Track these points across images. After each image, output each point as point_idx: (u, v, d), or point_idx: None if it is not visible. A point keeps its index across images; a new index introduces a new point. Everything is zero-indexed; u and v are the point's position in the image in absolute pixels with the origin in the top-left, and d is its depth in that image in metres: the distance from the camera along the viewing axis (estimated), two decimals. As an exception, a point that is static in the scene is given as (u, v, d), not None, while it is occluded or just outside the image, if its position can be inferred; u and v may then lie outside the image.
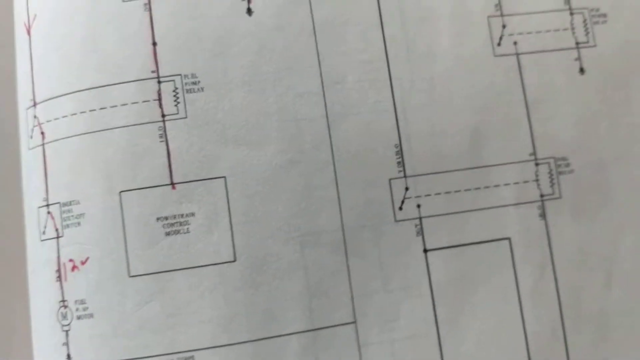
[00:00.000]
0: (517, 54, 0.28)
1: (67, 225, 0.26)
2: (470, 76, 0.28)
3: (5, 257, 0.27)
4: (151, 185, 0.25)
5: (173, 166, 0.25)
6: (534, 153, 0.28)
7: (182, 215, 0.25)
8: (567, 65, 0.29)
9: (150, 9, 0.26)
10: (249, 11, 0.26)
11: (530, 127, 0.28)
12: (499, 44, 0.28)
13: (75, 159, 0.26)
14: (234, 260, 0.25)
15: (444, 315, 0.27)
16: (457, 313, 0.27)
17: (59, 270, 0.26)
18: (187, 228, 0.25)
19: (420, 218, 0.27)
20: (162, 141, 0.25)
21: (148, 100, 0.26)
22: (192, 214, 0.25)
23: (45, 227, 0.26)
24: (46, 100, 0.26)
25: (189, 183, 0.25)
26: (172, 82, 0.26)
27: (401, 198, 0.27)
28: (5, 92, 0.28)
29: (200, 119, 0.26)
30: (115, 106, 0.26)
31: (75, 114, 0.26)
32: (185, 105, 0.26)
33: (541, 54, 0.29)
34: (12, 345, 0.27)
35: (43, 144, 0.26)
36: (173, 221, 0.25)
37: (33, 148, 0.27)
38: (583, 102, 0.29)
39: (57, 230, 0.26)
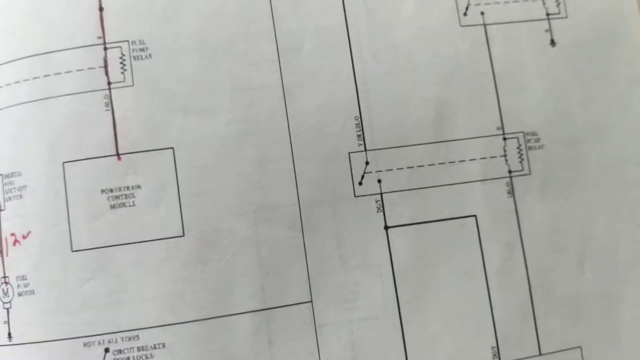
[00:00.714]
0: (485, 24, 0.27)
1: (9, 198, 0.25)
2: (435, 46, 0.27)
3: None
4: (96, 155, 0.24)
5: (119, 136, 0.24)
6: (501, 127, 0.27)
7: (127, 188, 0.24)
8: (537, 37, 0.28)
9: (97, -28, 0.25)
10: (201, -25, 0.26)
11: (498, 100, 0.27)
12: (465, 14, 0.27)
13: (17, 128, 0.25)
14: (182, 235, 0.24)
15: (406, 295, 0.26)
16: (420, 293, 0.26)
17: (0, 245, 0.25)
18: (133, 201, 0.24)
19: (381, 194, 0.26)
20: (107, 110, 0.25)
21: (94, 68, 0.25)
22: (138, 187, 0.24)
23: (-15, 200, 0.25)
24: (-11, 69, 0.25)
25: (135, 154, 0.24)
26: (118, 49, 0.25)
27: (361, 173, 0.26)
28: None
29: (148, 86, 0.25)
30: (60, 73, 0.25)
31: (18, 82, 0.25)
32: (132, 72, 0.25)
33: (509, 25, 0.28)
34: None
35: (-15, 115, 0.25)
36: (118, 193, 0.24)
37: (-25, 119, 0.26)
38: (554, 76, 0.28)
39: (-2, 203, 0.25)
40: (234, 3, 0.26)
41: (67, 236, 0.24)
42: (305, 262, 0.25)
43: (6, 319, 0.24)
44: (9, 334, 0.24)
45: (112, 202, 0.24)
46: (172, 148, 0.25)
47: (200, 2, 0.25)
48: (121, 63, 0.25)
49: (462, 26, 0.27)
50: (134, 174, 0.24)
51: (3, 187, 0.25)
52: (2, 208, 0.25)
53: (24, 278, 0.24)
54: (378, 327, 0.25)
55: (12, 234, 0.25)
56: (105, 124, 0.24)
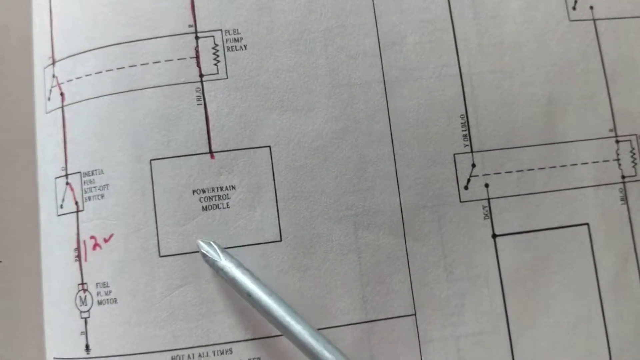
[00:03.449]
0: (594, 20, 0.27)
1: (89, 198, 0.24)
2: (543, 42, 0.26)
3: (15, 234, 0.25)
4: (187, 153, 0.23)
5: (212, 133, 0.24)
6: (614, 129, 0.26)
7: (221, 189, 0.23)
8: (648, 33, 0.27)
9: (188, -44, 0.24)
10: (299, -39, 0.25)
11: (610, 100, 0.26)
12: (574, 8, 0.27)
13: (99, 123, 0.24)
14: (279, 240, 0.23)
15: (515, 309, 0.25)
16: (530, 307, 0.25)
17: (78, 249, 0.24)
18: (227, 203, 0.23)
19: (488, 199, 0.25)
20: (199, 104, 0.24)
21: (184, 58, 0.24)
22: (233, 187, 0.23)
23: (63, 200, 0.24)
24: (67, 58, 0.25)
25: (229, 152, 0.24)
26: (211, 38, 0.24)
27: (467, 176, 0.25)
28: (18, 49, 0.27)
29: (243, 80, 0.24)
30: (147, 64, 0.24)
31: (100, 72, 0.24)
32: (225, 64, 0.24)
33: (620, 20, 0.27)
34: (21, 335, 0.25)
35: (62, 107, 0.25)
36: (211, 194, 0.23)
37: (50, 111, 0.25)
38: (667, 74, 0.27)
39: (76, 203, 0.24)
40: (335, -9, 0.25)
41: (154, 240, 0.23)
42: (407, 271, 0.24)
43: (84, 330, 0.23)
44: (87, 346, 0.23)
45: (205, 204, 0.23)
46: (269, 147, 0.24)
47: (299, -10, 0.25)
48: (214, 54, 0.24)
49: (571, 20, 0.26)
50: (228, 174, 0.23)
51: (82, 186, 0.24)
52: (81, 209, 0.24)
53: (105, 285, 0.23)
54: (486, 343, 0.24)
55: (92, 237, 0.24)
56: (197, 119, 0.24)
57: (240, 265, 0.22)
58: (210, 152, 0.23)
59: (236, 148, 0.24)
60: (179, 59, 0.24)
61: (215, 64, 0.24)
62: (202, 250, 0.22)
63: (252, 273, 0.22)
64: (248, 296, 0.21)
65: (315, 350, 0.20)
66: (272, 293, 0.21)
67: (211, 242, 0.23)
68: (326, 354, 0.20)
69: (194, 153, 0.23)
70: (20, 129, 0.26)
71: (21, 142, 0.26)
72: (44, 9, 0.26)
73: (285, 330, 0.21)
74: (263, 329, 0.23)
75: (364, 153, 0.24)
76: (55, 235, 0.24)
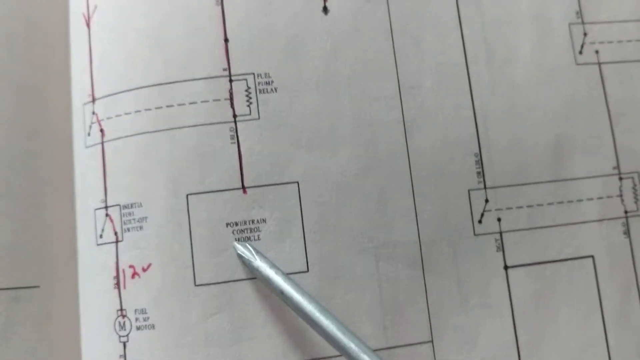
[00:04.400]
0: (599, 64, 0.29)
1: (128, 229, 0.26)
2: (552, 84, 0.28)
3: (53, 261, 0.27)
4: (221, 188, 0.26)
5: (244, 169, 0.26)
6: (617, 167, 0.28)
7: (252, 222, 0.25)
8: (650, 76, 0.29)
9: (222, 3, 0.27)
10: (325, 9, 0.27)
11: (614, 139, 0.29)
12: (580, 52, 0.29)
13: (138, 159, 0.26)
14: (307, 271, 0.25)
15: (525, 337, 0.27)
16: (539, 335, 0.27)
17: (117, 277, 0.26)
18: (258, 235, 0.25)
19: (500, 232, 0.27)
20: (233, 143, 0.26)
21: (219, 100, 0.26)
22: (264, 220, 0.26)
23: (102, 230, 0.26)
24: (107, 96, 0.27)
25: (260, 187, 0.26)
26: (244, 81, 0.26)
27: (481, 211, 0.27)
28: (56, 86, 0.29)
29: (273, 120, 0.26)
30: (184, 104, 0.26)
31: (139, 111, 0.26)
32: (257, 106, 0.26)
33: (623, 64, 0.29)
34: (59, 359, 0.27)
35: (102, 142, 0.27)
36: (243, 227, 0.25)
37: (90, 146, 0.27)
38: (667, 115, 0.29)
39: (116, 234, 0.26)
40: (357, 39, 0.27)
41: (189, 270, 0.25)
42: (425, 301, 0.26)
43: (122, 353, 0.25)
44: (125, 369, 0.25)
45: (237, 236, 0.25)
46: (297, 182, 0.26)
47: (324, 38, 0.27)
48: (247, 96, 0.26)
49: (577, 64, 0.29)
50: (260, 208, 0.26)
51: (121, 218, 0.26)
52: (120, 239, 0.26)
53: (143, 312, 0.25)
54: (497, 369, 0.26)
55: (131, 266, 0.26)
56: (231, 156, 0.26)
57: (273, 265, 0.24)
58: (243, 187, 0.26)
59: (267, 184, 0.26)
60: (214, 100, 0.26)
61: (248, 106, 0.26)
62: (239, 252, 0.25)
63: (284, 273, 0.24)
64: (281, 293, 0.24)
65: (342, 342, 0.22)
66: (303, 291, 0.23)
67: (247, 244, 0.25)
68: (352, 346, 0.22)
69: (227, 188, 0.26)
70: (59, 161, 0.28)
71: (59, 173, 0.28)
72: (83, 48, 0.28)
73: (315, 325, 0.23)
74: (292, 355, 0.25)
75: (385, 189, 0.26)
76: (94, 263, 0.26)
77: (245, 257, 0.25)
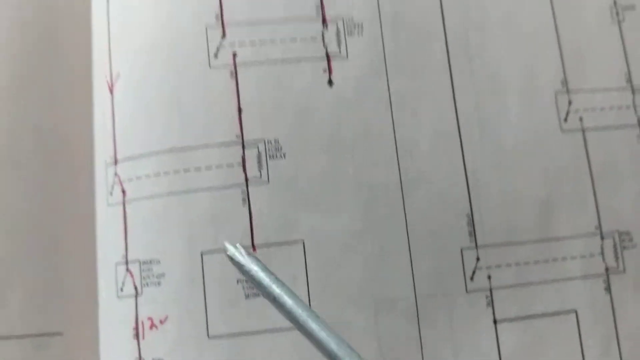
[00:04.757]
0: (583, 130, 0.32)
1: (147, 284, 0.28)
2: (539, 150, 0.31)
3: (75, 310, 0.30)
4: (232, 247, 0.28)
5: (254, 229, 0.28)
6: (599, 226, 0.31)
7: (261, 278, 0.28)
8: (629, 141, 0.32)
9: (236, 77, 0.29)
10: (330, 83, 0.30)
11: (596, 201, 0.31)
12: (565, 120, 0.32)
13: (157, 219, 0.28)
14: (311, 325, 0.28)
15: (513, 386, 0.29)
16: (525, 384, 0.29)
17: (136, 328, 0.28)
18: (267, 291, 0.28)
19: (490, 289, 0.29)
20: (244, 205, 0.28)
21: (232, 164, 0.29)
22: (272, 278, 0.28)
23: (123, 284, 0.29)
24: (128, 160, 0.29)
25: (269, 246, 0.28)
26: (255, 148, 0.29)
27: (472, 268, 0.29)
28: (80, 146, 0.31)
29: (282, 184, 0.29)
30: (200, 168, 0.29)
31: (158, 174, 0.29)
32: (268, 170, 0.29)
33: (606, 130, 0.32)
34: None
35: (124, 202, 0.29)
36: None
37: (112, 205, 0.30)
38: (646, 178, 0.32)
39: (135, 288, 0.28)
40: (359, 109, 0.30)
41: (203, 323, 0.28)
42: (421, 353, 0.29)
43: (139, 399, 0.28)
44: (142, 414, 0.27)
45: (247, 292, 0.28)
46: (302, 241, 0.28)
47: (329, 108, 0.29)
48: (258, 161, 0.29)
49: (562, 131, 0.31)
50: (268, 265, 0.28)
51: (141, 273, 0.28)
52: (139, 293, 0.28)
53: (159, 360, 0.28)
54: (487, 416, 0.29)
55: (149, 318, 0.28)
56: (242, 217, 0.28)
57: (265, 268, 0.23)
58: (253, 246, 0.28)
59: (275, 242, 0.28)
60: (227, 165, 0.29)
61: (259, 170, 0.29)
62: (228, 253, 0.23)
63: (277, 277, 0.23)
64: (273, 300, 0.22)
65: (335, 353, 0.21)
66: (296, 297, 0.22)
67: (237, 245, 0.23)
68: (345, 356, 0.21)
69: (239, 247, 0.28)
70: (82, 217, 0.31)
71: (82, 228, 0.31)
72: (106, 112, 0.30)
73: (308, 334, 0.22)
74: (296, 402, 0.27)
75: (383, 247, 0.29)
76: (115, 315, 0.29)
77: (236, 259, 0.23)
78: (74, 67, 0.32)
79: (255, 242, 0.28)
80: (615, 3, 0.33)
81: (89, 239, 0.30)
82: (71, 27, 0.32)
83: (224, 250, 0.23)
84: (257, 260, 0.23)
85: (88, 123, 0.31)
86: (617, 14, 0.33)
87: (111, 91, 0.30)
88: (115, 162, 0.30)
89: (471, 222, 0.30)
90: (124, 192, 0.29)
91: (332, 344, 0.22)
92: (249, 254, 0.23)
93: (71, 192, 0.31)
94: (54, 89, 0.31)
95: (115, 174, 0.30)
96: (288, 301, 0.22)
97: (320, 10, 0.30)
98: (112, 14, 0.31)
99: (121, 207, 0.29)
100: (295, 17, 0.30)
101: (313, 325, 0.22)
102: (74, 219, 0.31)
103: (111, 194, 0.30)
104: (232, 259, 0.23)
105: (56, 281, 0.30)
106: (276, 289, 0.22)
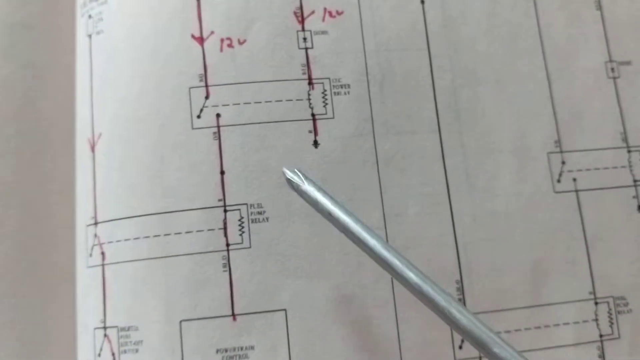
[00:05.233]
0: (577, 191, 0.31)
1: (125, 351, 0.28)
2: (531, 212, 0.30)
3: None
4: (212, 315, 0.27)
5: (235, 297, 0.28)
6: (593, 292, 0.30)
7: (241, 348, 0.27)
8: (625, 202, 0.31)
9: (219, 138, 0.29)
10: (316, 144, 0.29)
11: (590, 265, 0.30)
12: (558, 181, 0.31)
13: (136, 283, 0.28)
14: (292, 397, 0.27)
15: None
16: None
17: (112, 398, 0.27)
18: (247, 362, 0.27)
19: (480, 357, 0.29)
20: (225, 271, 0.28)
21: (213, 229, 0.28)
22: (252, 347, 0.27)
23: (101, 349, 0.28)
24: (109, 221, 0.29)
25: (249, 315, 0.28)
26: (237, 211, 0.28)
27: (462, 337, 0.29)
28: (61, 205, 0.31)
29: (264, 249, 0.28)
30: (180, 233, 0.28)
31: (138, 238, 0.28)
32: (249, 235, 0.28)
33: (600, 191, 0.31)
34: None
35: (103, 265, 0.29)
36: (232, 354, 0.27)
37: (92, 267, 0.29)
38: (641, 241, 0.31)
39: (113, 354, 0.28)
40: (345, 171, 0.29)
41: (181, 393, 0.27)
42: None
43: None
44: None
45: (227, 363, 0.27)
46: (285, 310, 0.28)
47: (314, 170, 0.29)
48: (240, 225, 0.28)
49: (555, 192, 0.31)
50: (248, 335, 0.27)
51: (119, 340, 0.28)
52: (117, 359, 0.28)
53: None
54: None
55: (126, 387, 0.27)
56: (223, 284, 0.28)
57: (321, 189, 0.25)
58: (233, 315, 0.28)
59: (255, 311, 0.28)
60: (208, 230, 0.28)
61: (240, 235, 0.28)
62: (287, 176, 0.26)
63: (331, 196, 0.25)
64: (329, 215, 0.25)
65: (388, 259, 0.24)
66: (350, 212, 0.25)
67: (295, 170, 0.26)
68: (397, 262, 0.24)
69: (218, 315, 0.27)
70: (62, 277, 0.30)
71: (62, 288, 0.30)
72: (88, 171, 0.30)
73: (362, 244, 0.24)
74: None
75: (369, 316, 0.28)
76: (92, 382, 0.28)
77: (295, 181, 0.26)
78: (57, 125, 0.32)
79: (236, 310, 0.27)
80: (610, 58, 0.33)
81: (69, 301, 0.30)
82: (55, 85, 0.31)
83: (283, 174, 0.26)
84: (314, 182, 0.26)
85: (70, 182, 0.31)
86: (613, 69, 0.33)
87: (93, 150, 0.30)
88: (96, 223, 0.29)
89: (460, 289, 0.29)
90: (103, 254, 0.29)
91: (384, 252, 0.24)
92: (305, 177, 0.26)
93: (52, 252, 0.30)
94: (36, 146, 0.31)
95: (95, 235, 0.29)
96: (345, 218, 0.24)
97: (306, 70, 0.30)
98: (95, 71, 0.30)
99: (100, 270, 0.29)
100: (280, 78, 0.29)
101: (367, 237, 0.24)
102: (55, 280, 0.30)
103: (91, 255, 0.29)
104: (290, 181, 0.26)
105: (36, 342, 0.30)
106: (331, 207, 0.25)
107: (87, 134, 0.30)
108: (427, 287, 0.23)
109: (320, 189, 0.25)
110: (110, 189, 0.29)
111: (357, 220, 0.24)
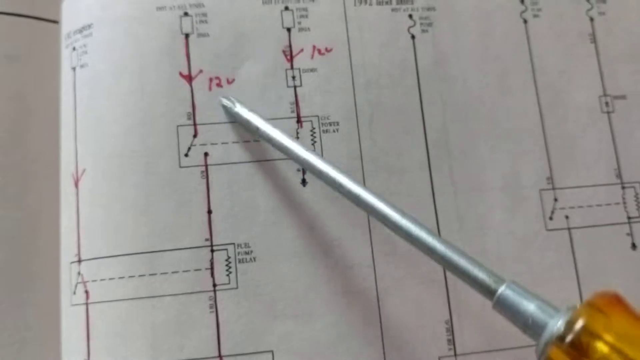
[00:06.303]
0: (569, 229, 0.31)
1: (109, 394, 0.28)
2: (522, 251, 0.31)
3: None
4: (198, 357, 0.28)
5: (221, 338, 0.28)
6: (585, 332, 0.30)
7: (228, 391, 0.27)
8: (618, 240, 0.32)
9: (207, 177, 0.29)
10: (304, 182, 0.30)
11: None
12: (550, 218, 0.31)
13: (120, 324, 0.28)
14: None
15: None
16: None
17: None
18: (232, 406, 0.27)
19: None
20: (211, 312, 0.28)
21: (200, 269, 0.28)
22: (238, 390, 0.28)
23: (84, 392, 0.28)
24: (92, 259, 0.29)
25: (236, 356, 0.28)
26: (225, 251, 0.29)
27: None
28: (46, 241, 0.31)
29: (251, 290, 0.28)
30: (166, 273, 0.28)
31: (123, 277, 0.28)
32: (237, 275, 0.28)
33: (593, 229, 0.31)
34: None
35: (87, 303, 0.29)
36: (218, 397, 0.27)
37: (76, 305, 0.29)
38: (635, 280, 0.31)
39: (96, 397, 0.28)
40: (334, 209, 0.29)
41: None
42: None
43: None
44: None
45: (213, 408, 0.27)
46: (272, 352, 0.28)
47: (303, 209, 0.29)
48: (227, 266, 0.28)
49: (547, 230, 0.31)
50: (234, 378, 0.28)
51: (104, 381, 0.28)
52: (102, 402, 0.28)
53: None
54: None
55: None
56: (209, 325, 0.28)
57: (252, 110, 0.29)
58: (220, 356, 0.28)
59: (242, 353, 0.28)
60: (195, 270, 0.28)
61: (227, 275, 0.28)
62: (223, 103, 0.29)
63: (260, 115, 0.28)
64: (256, 129, 0.28)
65: (307, 159, 0.27)
66: (275, 126, 0.28)
67: (229, 97, 0.29)
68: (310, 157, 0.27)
69: (205, 357, 0.28)
70: (47, 315, 0.30)
71: (47, 328, 0.30)
72: (71, 206, 0.30)
73: (290, 153, 0.27)
74: None
75: (358, 356, 0.28)
76: None
77: (228, 106, 0.29)
78: (43, 159, 0.32)
79: (222, 351, 0.28)
80: (605, 92, 0.33)
81: (55, 341, 0.30)
82: (41, 118, 0.31)
83: (219, 102, 0.29)
84: (245, 105, 0.29)
85: (56, 217, 0.31)
86: (607, 104, 0.33)
87: (76, 185, 0.30)
88: (79, 260, 0.29)
89: (450, 330, 0.29)
90: (87, 292, 0.29)
91: (308, 157, 0.26)
92: (238, 101, 0.29)
93: (38, 290, 0.31)
94: (22, 180, 0.31)
95: (79, 273, 0.29)
96: (270, 130, 0.28)
97: (295, 108, 0.30)
98: (79, 105, 0.31)
99: (84, 309, 0.29)
100: (269, 117, 0.29)
101: (295, 146, 0.27)
102: (41, 319, 0.30)
103: (74, 293, 0.29)
104: (225, 107, 0.29)
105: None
106: (260, 122, 0.28)
107: (71, 169, 0.31)
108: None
109: (252, 109, 0.29)
110: (94, 226, 0.29)
111: (283, 134, 0.27)
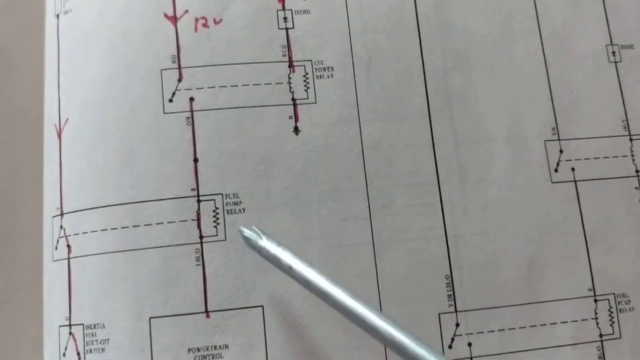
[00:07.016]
0: (575, 181, 0.30)
1: (90, 350, 0.27)
2: (526, 204, 0.29)
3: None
4: (184, 312, 0.26)
5: (208, 293, 0.27)
6: (592, 289, 0.29)
7: (215, 347, 0.26)
8: (626, 194, 0.30)
9: (192, 124, 0.28)
10: (296, 130, 0.28)
11: (589, 260, 0.29)
12: (556, 170, 0.30)
13: (103, 278, 0.27)
14: (269, 400, 0.26)
15: None
16: None
17: (77, 401, 0.26)
18: (220, 362, 0.26)
19: (471, 358, 0.28)
20: (198, 265, 0.27)
21: (186, 220, 0.27)
22: (226, 346, 0.26)
23: (66, 349, 0.27)
24: (74, 212, 0.28)
25: (224, 312, 0.27)
26: (212, 202, 0.27)
27: (451, 335, 0.28)
28: (29, 196, 0.30)
29: (240, 242, 0.27)
30: (150, 224, 0.27)
31: (105, 229, 0.27)
32: (225, 226, 0.27)
33: (600, 182, 0.30)
34: None
35: (68, 258, 0.28)
36: (205, 353, 0.26)
37: (57, 260, 0.28)
38: (645, 234, 0.30)
39: (78, 354, 0.27)
40: (328, 159, 0.28)
41: (150, 396, 0.26)
42: None
43: None
44: None
45: (199, 363, 0.26)
46: (262, 307, 0.27)
47: (294, 158, 0.28)
48: (214, 217, 0.27)
49: (553, 182, 0.30)
50: (222, 333, 0.26)
51: (84, 338, 0.27)
52: (82, 359, 0.27)
53: None
54: None
55: (92, 389, 0.26)
56: (195, 279, 0.27)
57: (280, 243, 0.25)
58: (206, 311, 0.26)
59: (230, 308, 0.27)
60: (180, 221, 0.27)
61: (215, 226, 0.27)
62: (244, 234, 0.25)
63: (291, 250, 0.24)
64: (289, 269, 0.24)
65: (355, 311, 0.23)
66: (311, 264, 0.24)
67: (253, 227, 0.25)
68: (367, 313, 0.22)
69: (190, 312, 0.26)
70: (29, 272, 0.29)
71: (29, 284, 0.29)
72: (54, 159, 0.29)
73: (325, 297, 0.23)
74: None
75: (352, 312, 0.27)
76: (55, 384, 0.27)
77: (253, 238, 0.25)
78: (27, 111, 0.30)
79: (209, 307, 0.26)
80: (611, 42, 0.32)
81: (37, 297, 0.29)
82: (24, 69, 0.30)
83: (240, 233, 0.26)
84: (271, 237, 0.25)
85: (39, 171, 0.30)
86: (614, 53, 0.32)
87: (59, 136, 0.29)
88: (62, 213, 0.28)
89: (450, 285, 0.28)
90: (69, 247, 0.28)
91: (354, 306, 0.23)
92: (263, 232, 0.25)
93: (18, 244, 0.29)
94: (5, 134, 0.30)
95: (61, 227, 0.28)
96: (305, 269, 0.24)
97: (287, 52, 0.29)
98: (63, 53, 0.29)
99: (66, 264, 0.28)
100: (259, 60, 0.28)
101: (332, 289, 0.23)
102: (23, 275, 0.29)
103: (56, 248, 0.28)
104: (248, 239, 0.26)
105: (2, 343, 0.29)
106: (293, 260, 0.24)
107: (54, 120, 0.29)
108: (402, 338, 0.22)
109: (280, 243, 0.25)
110: (77, 178, 0.28)
111: (320, 272, 0.23)
